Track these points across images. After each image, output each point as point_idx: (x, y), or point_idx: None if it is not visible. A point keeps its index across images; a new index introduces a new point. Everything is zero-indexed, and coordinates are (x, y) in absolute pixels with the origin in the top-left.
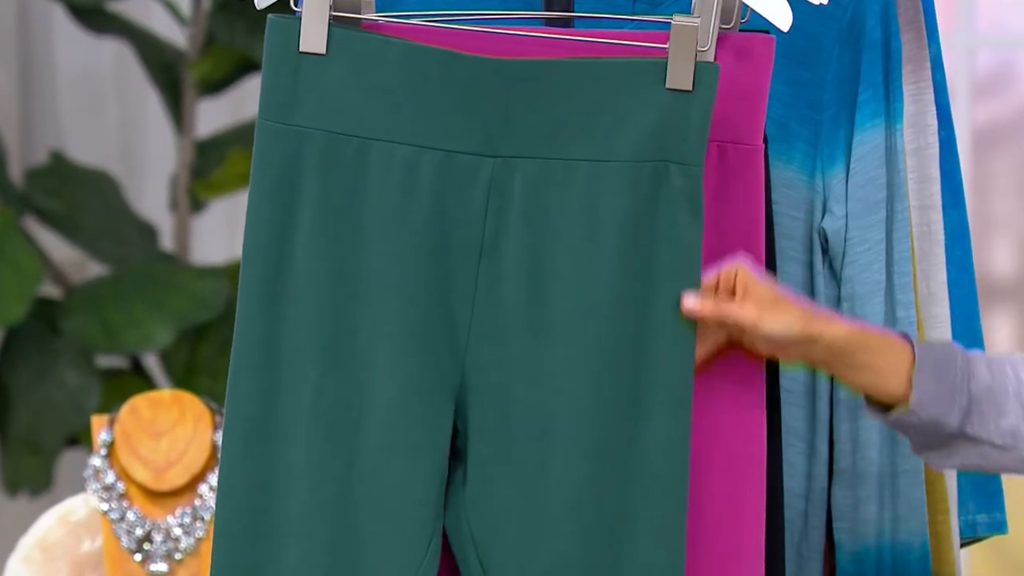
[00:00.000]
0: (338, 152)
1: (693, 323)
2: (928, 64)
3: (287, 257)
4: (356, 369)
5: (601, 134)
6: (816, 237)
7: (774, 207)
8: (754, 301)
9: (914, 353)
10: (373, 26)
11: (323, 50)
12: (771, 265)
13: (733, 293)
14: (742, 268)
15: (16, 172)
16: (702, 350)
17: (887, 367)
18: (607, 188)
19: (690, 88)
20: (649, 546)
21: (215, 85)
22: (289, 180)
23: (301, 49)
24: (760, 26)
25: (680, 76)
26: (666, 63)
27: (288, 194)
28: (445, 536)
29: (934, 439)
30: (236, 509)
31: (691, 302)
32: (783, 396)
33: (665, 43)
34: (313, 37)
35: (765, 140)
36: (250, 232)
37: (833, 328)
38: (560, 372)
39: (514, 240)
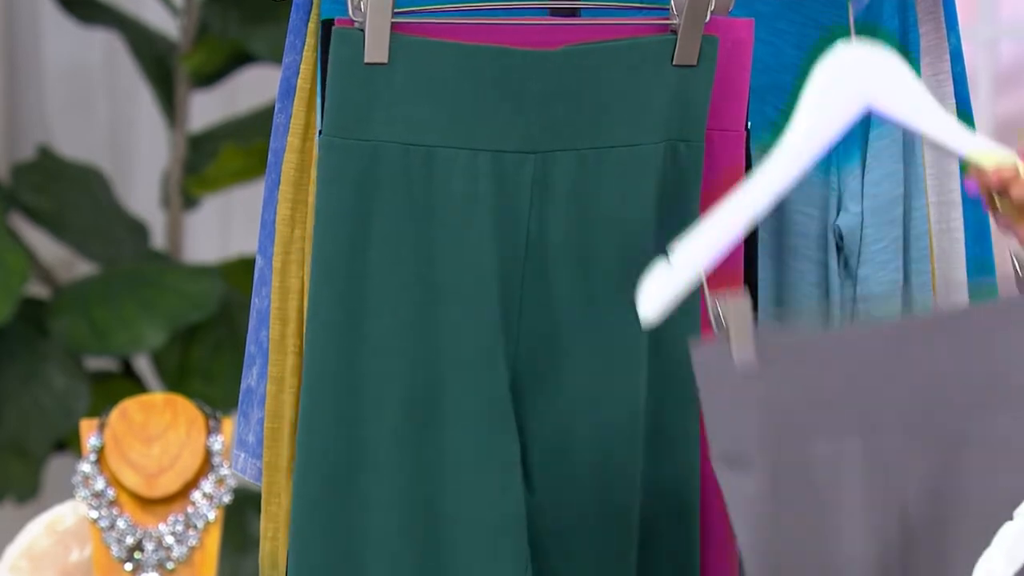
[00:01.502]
0: (407, 163)
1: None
2: (947, 56)
3: (361, 274)
4: (441, 384)
5: (625, 118)
6: (831, 235)
7: (788, 204)
8: None
9: None
10: (398, 26)
11: (386, 59)
12: (751, 255)
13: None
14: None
15: (1, 167)
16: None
17: None
18: (635, 172)
19: (695, 63)
20: (681, 527)
21: (208, 77)
22: (360, 196)
23: (366, 60)
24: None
25: (687, 52)
26: (673, 40)
27: (360, 210)
28: None
29: None
30: (319, 546)
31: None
32: None
33: (657, 21)
34: (377, 47)
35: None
36: (321, 251)
37: None
38: (610, 367)
39: (557, 237)
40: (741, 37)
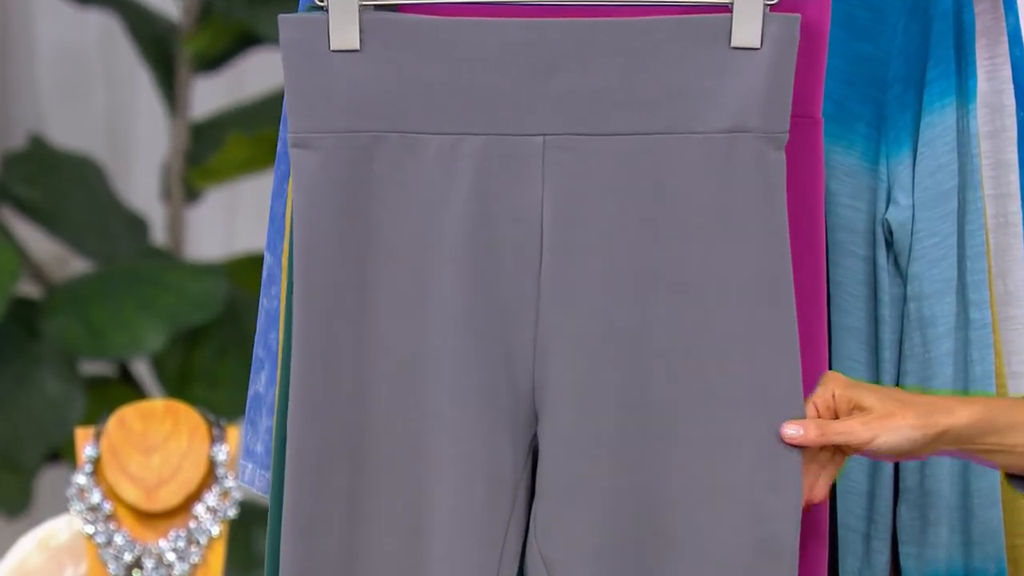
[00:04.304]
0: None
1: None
2: (1005, 37)
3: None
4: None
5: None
6: (879, 230)
7: (832, 196)
8: (862, 419)
9: None
10: (402, 8)
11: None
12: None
13: (836, 411)
14: (837, 384)
15: None
16: (813, 476)
17: (1022, 443)
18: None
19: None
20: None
21: (212, 61)
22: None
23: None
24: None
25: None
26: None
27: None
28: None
29: None
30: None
31: (793, 431)
32: None
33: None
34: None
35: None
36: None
37: (956, 418)
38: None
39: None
40: (813, 16)
